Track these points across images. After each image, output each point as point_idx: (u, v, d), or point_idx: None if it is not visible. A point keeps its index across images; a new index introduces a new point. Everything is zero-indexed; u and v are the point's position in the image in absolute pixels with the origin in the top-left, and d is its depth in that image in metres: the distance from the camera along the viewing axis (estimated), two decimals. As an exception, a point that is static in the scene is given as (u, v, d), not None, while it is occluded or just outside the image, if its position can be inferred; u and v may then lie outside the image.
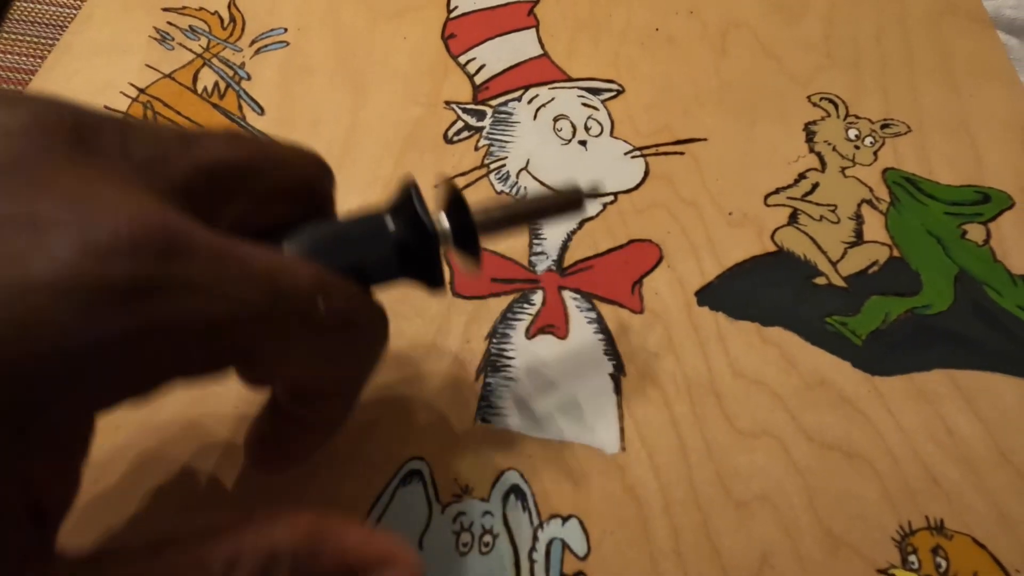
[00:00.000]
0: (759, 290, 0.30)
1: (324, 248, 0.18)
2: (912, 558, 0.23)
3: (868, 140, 0.35)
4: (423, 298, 0.28)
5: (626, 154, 0.33)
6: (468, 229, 0.19)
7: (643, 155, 0.33)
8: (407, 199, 0.19)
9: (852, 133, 0.35)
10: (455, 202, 0.19)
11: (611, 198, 0.32)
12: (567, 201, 0.22)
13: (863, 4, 0.42)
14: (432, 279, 0.20)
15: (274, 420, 0.20)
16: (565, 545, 0.22)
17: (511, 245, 0.30)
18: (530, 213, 0.21)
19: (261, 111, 0.34)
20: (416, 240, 0.19)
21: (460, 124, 0.34)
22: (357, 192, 0.31)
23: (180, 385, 0.15)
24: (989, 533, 0.24)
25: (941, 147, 0.35)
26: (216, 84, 0.34)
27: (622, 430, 0.25)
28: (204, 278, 0.14)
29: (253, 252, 0.15)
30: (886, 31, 0.41)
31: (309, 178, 0.19)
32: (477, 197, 0.32)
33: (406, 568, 0.16)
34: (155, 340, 0.14)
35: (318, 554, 0.15)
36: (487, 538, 0.22)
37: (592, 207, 0.31)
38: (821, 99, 0.37)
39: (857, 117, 0.36)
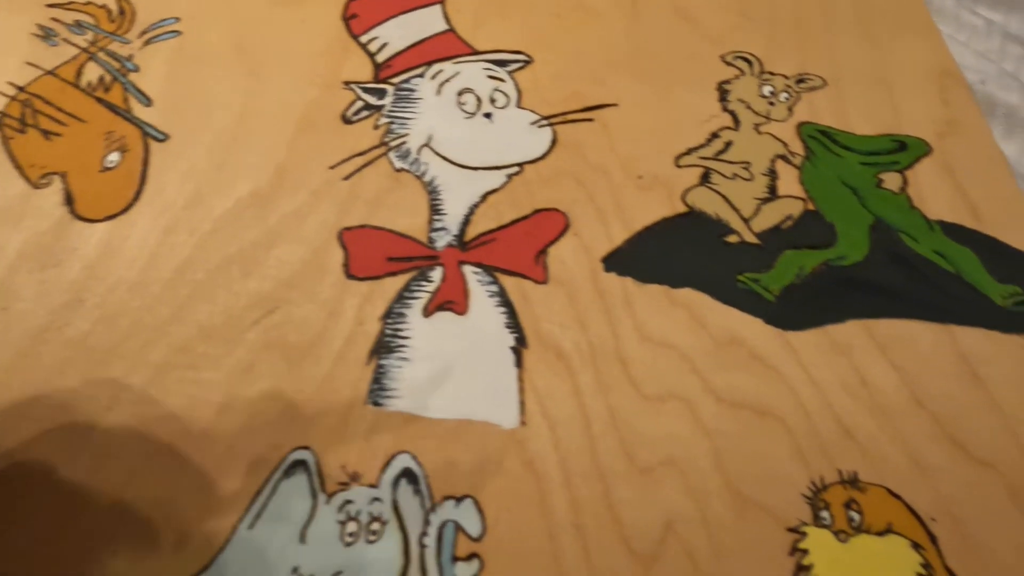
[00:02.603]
0: (669, 252, 0.29)
1: None
2: (824, 514, 0.22)
3: (783, 96, 0.34)
4: (315, 282, 0.27)
5: (533, 124, 0.32)
6: None
7: (551, 124, 0.32)
8: None
9: (767, 90, 0.35)
10: None
11: (517, 169, 0.31)
12: None
13: (780, -38, 0.42)
14: None
15: None
16: (458, 527, 0.21)
17: (411, 223, 0.29)
18: None
19: (148, 102, 0.32)
20: None
21: (359, 104, 0.33)
22: (249, 177, 0.30)
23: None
24: (904, 482, 0.23)
25: (858, 99, 0.34)
26: (101, 78, 0.32)
27: (522, 404, 0.24)
28: None
29: None
30: (802, -13, 0.41)
31: None
32: (376, 176, 0.31)
33: None
34: None
35: None
36: (375, 526, 0.21)
37: (496, 178, 0.31)
38: (735, 58, 0.36)
39: (772, 74, 0.35)
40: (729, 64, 0.36)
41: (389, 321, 0.26)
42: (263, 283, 0.26)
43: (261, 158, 0.31)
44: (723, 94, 0.34)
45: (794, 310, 0.27)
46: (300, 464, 0.22)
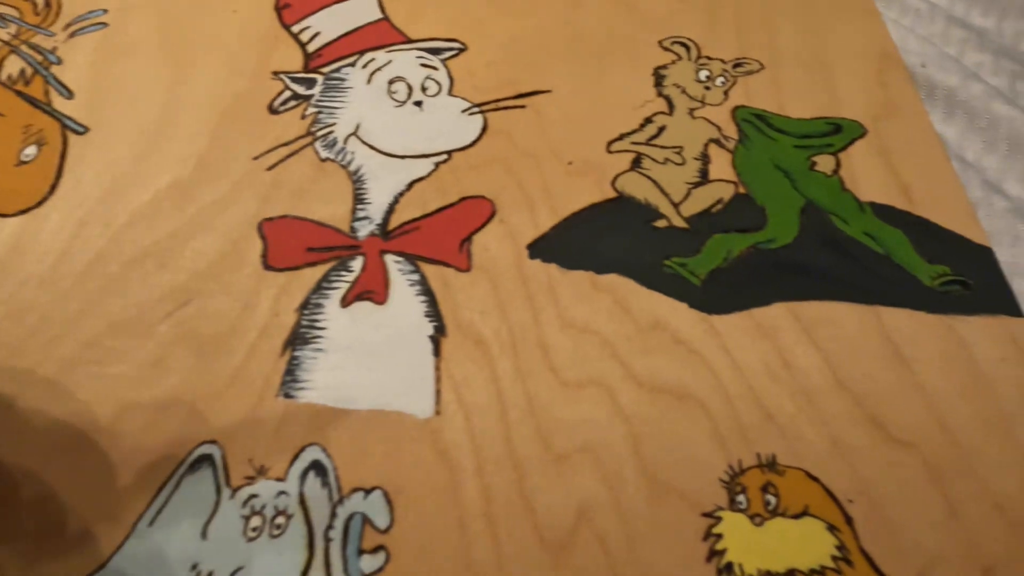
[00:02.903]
0: (596, 238, 0.28)
1: None
2: (740, 498, 0.22)
3: (719, 80, 0.34)
4: (230, 273, 0.26)
5: (464, 111, 0.32)
6: None
7: (482, 112, 0.32)
8: None
9: (703, 74, 0.34)
10: None
11: (445, 156, 0.30)
12: None
13: (723, -54, 0.42)
14: None
15: None
16: (366, 519, 0.21)
17: (333, 212, 0.28)
18: None
19: (70, 95, 0.31)
20: None
21: (287, 94, 0.32)
22: (169, 169, 0.29)
23: None
24: (823, 464, 0.23)
25: (794, 82, 0.34)
26: (23, 71, 0.32)
27: (438, 393, 0.24)
28: None
29: None
30: (744, -30, 0.40)
31: None
32: (301, 166, 0.31)
33: None
34: None
35: None
36: (280, 520, 0.21)
37: (424, 167, 0.30)
38: (673, 43, 0.36)
39: (709, 58, 0.35)
40: (667, 49, 0.36)
41: (306, 312, 0.25)
42: (178, 275, 0.26)
43: (183, 149, 0.30)
44: (659, 79, 0.34)
45: (720, 294, 0.27)
46: (205, 459, 0.22)
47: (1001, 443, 0.23)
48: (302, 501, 0.21)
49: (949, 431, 0.23)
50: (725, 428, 0.23)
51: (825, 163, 0.31)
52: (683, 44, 0.36)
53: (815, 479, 0.23)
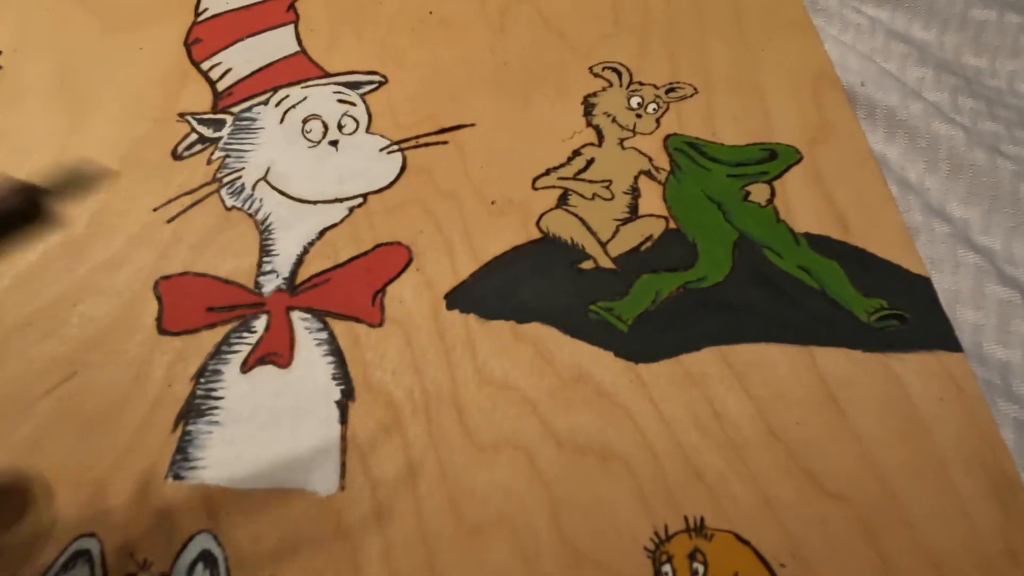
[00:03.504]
0: (518, 283, 0.27)
1: None
2: (666, 568, 0.21)
3: (651, 107, 0.33)
4: (123, 341, 0.24)
5: (382, 150, 0.30)
6: None
7: (401, 149, 0.30)
8: None
9: (634, 101, 0.33)
10: None
11: (360, 200, 0.29)
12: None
13: (656, -35, 0.41)
14: None
15: None
16: (258, 615, 0.19)
17: (237, 265, 0.26)
18: None
19: (-46, 146, 0.30)
20: None
21: (193, 137, 0.30)
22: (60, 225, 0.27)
23: None
24: (753, 523, 0.21)
25: (728, 106, 0.33)
26: (-96, 121, 0.30)
27: (343, 466, 0.22)
28: None
29: None
30: (678, -10, 0.39)
31: None
32: (204, 217, 0.29)
33: None
34: None
35: None
36: (162, 621, 0.19)
37: (336, 212, 0.28)
38: (604, 69, 0.34)
39: (641, 84, 0.34)
40: (597, 76, 0.34)
41: (202, 380, 0.23)
42: (62, 345, 0.24)
43: (78, 203, 0.28)
44: (588, 108, 0.33)
45: (647, 340, 0.25)
46: (82, 555, 0.20)
47: (937, 492, 0.22)
48: (187, 598, 0.19)
49: (884, 481, 0.22)
50: (650, 489, 0.22)
51: (759, 192, 0.30)
52: (614, 70, 0.35)
53: (745, 542, 0.21)
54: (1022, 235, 0.31)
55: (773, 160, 0.32)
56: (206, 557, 0.20)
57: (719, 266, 0.28)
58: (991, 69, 0.40)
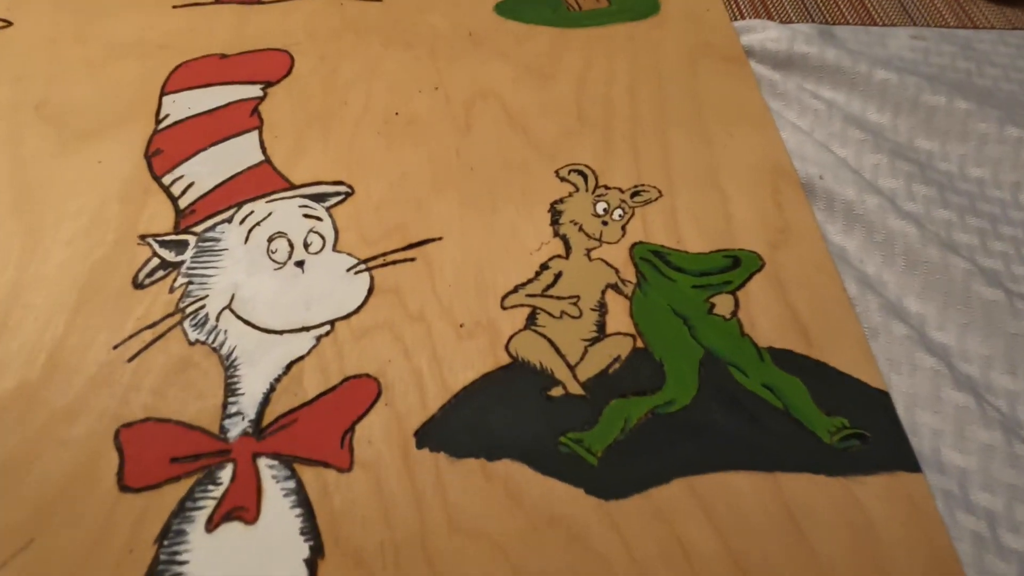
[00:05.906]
0: (487, 414, 0.27)
1: None
2: None
3: (617, 213, 0.33)
4: (81, 503, 0.23)
5: (349, 270, 0.30)
6: None
7: (368, 268, 0.30)
8: None
9: (600, 207, 0.33)
10: None
11: (327, 328, 0.29)
12: None
13: (618, 56, 0.41)
14: None
15: None
16: None
17: (201, 407, 0.26)
18: None
19: (-98, 281, 0.29)
20: None
21: (155, 262, 0.30)
22: (13, 369, 0.26)
23: None
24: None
25: (691, 208, 0.33)
26: None
27: (312, 634, 0.22)
28: None
29: None
30: (640, 82, 0.39)
31: None
32: (166, 353, 0.28)
33: None
34: None
35: None
36: None
37: (303, 343, 0.28)
38: (570, 172, 0.35)
39: (607, 187, 0.34)
40: (564, 179, 0.35)
41: (165, 544, 0.23)
42: (17, 512, 0.23)
43: (34, 340, 0.27)
44: (555, 216, 0.33)
45: (617, 473, 0.26)
46: None
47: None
48: None
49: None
50: (622, 641, 0.22)
51: (724, 304, 0.31)
52: (580, 172, 0.35)
53: None
54: (974, 332, 0.32)
55: (736, 268, 0.32)
56: None
57: (686, 387, 0.28)
58: (942, 152, 0.41)
